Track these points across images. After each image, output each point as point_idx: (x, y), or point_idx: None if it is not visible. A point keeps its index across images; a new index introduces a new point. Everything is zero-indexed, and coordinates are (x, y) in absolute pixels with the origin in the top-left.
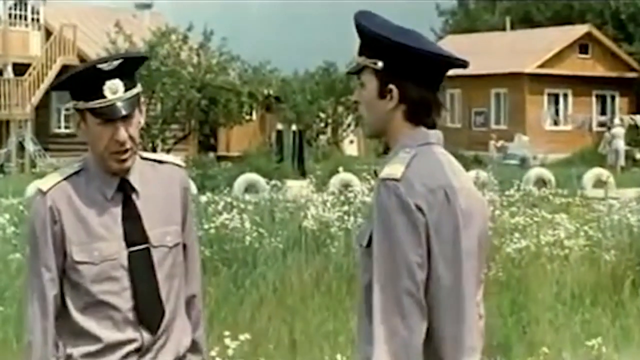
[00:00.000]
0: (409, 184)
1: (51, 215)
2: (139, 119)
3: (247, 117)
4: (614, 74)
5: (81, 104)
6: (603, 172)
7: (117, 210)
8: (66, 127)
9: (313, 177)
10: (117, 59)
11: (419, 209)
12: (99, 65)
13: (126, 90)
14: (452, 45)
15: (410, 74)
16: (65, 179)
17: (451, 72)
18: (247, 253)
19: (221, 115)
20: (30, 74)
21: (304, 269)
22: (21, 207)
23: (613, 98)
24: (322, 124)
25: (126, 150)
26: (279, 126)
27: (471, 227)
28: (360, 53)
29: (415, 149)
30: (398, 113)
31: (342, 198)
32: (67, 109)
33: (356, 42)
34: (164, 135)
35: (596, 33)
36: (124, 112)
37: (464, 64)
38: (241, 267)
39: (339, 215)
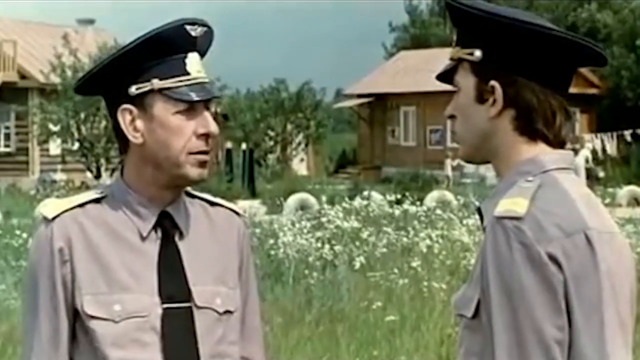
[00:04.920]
0: (538, 226)
1: (59, 252)
2: None
3: None
4: (574, 90)
5: (155, 83)
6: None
7: (152, 253)
8: (6, 146)
9: (267, 198)
10: (202, 25)
11: (554, 260)
12: (188, 27)
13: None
14: (404, 61)
15: (521, 65)
16: (80, 205)
17: (405, 88)
18: None
19: None
20: None
21: (288, 305)
22: None
23: (573, 114)
24: (271, 143)
25: (208, 152)
26: (228, 145)
27: (621, 286)
28: (456, 44)
29: (539, 177)
30: (504, 122)
31: (313, 222)
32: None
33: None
34: (108, 154)
35: None
36: (215, 93)
37: (602, 57)
38: None
39: (315, 242)
